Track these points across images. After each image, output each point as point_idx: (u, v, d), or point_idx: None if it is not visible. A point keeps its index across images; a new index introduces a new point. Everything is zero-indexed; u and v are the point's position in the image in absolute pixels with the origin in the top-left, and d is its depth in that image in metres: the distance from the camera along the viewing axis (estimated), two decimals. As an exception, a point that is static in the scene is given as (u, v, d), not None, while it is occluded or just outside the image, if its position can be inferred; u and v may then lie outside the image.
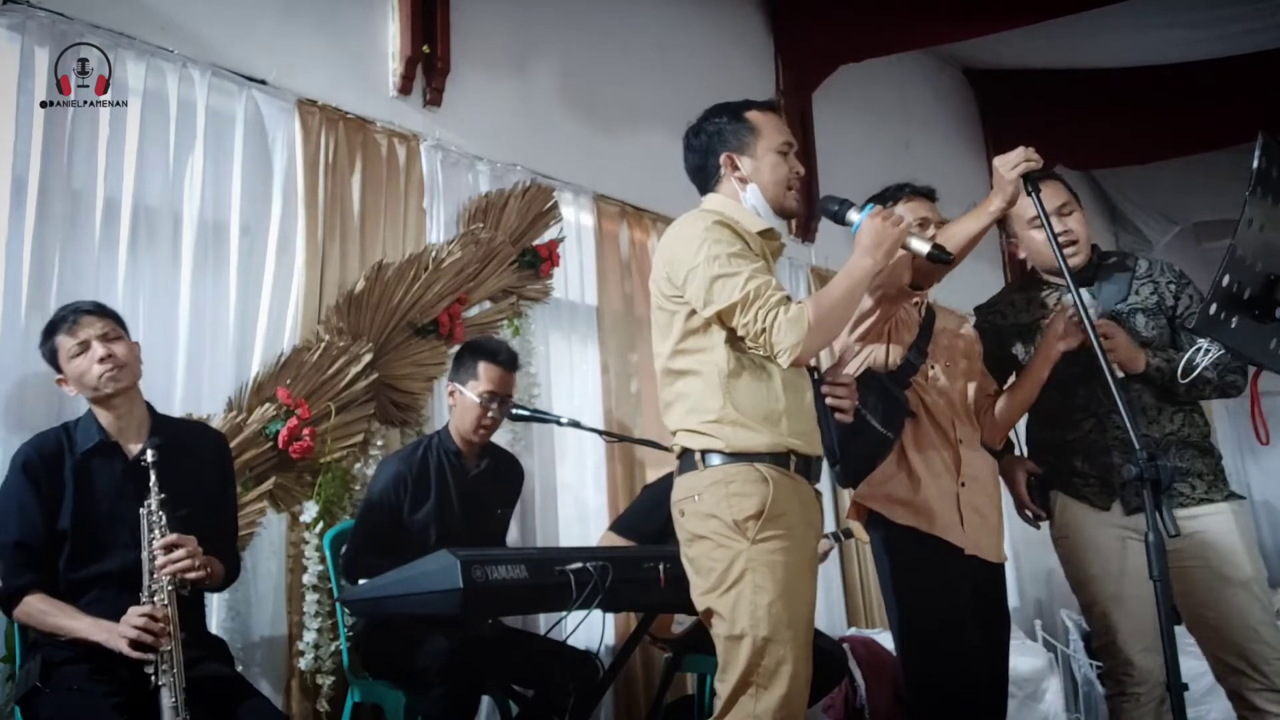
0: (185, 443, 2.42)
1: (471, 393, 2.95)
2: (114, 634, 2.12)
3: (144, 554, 2.21)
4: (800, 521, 2.00)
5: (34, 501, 2.25)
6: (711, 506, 1.96)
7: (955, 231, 2.31)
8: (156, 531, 2.21)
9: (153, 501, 2.23)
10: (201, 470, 2.43)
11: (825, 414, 2.16)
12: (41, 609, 2.20)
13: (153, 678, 2.09)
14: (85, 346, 2.34)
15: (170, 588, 2.17)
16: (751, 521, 1.93)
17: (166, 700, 2.07)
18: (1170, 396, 2.48)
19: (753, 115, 2.18)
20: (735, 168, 2.16)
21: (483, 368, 2.97)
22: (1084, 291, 2.41)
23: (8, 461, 2.60)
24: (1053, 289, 2.63)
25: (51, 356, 2.39)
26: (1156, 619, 2.34)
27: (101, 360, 2.31)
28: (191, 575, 2.20)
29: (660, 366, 2.12)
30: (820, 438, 2.14)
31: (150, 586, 2.18)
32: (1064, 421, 2.57)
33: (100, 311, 2.41)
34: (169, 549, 2.19)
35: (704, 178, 2.22)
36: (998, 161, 2.25)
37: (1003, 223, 2.69)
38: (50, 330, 2.40)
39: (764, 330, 1.93)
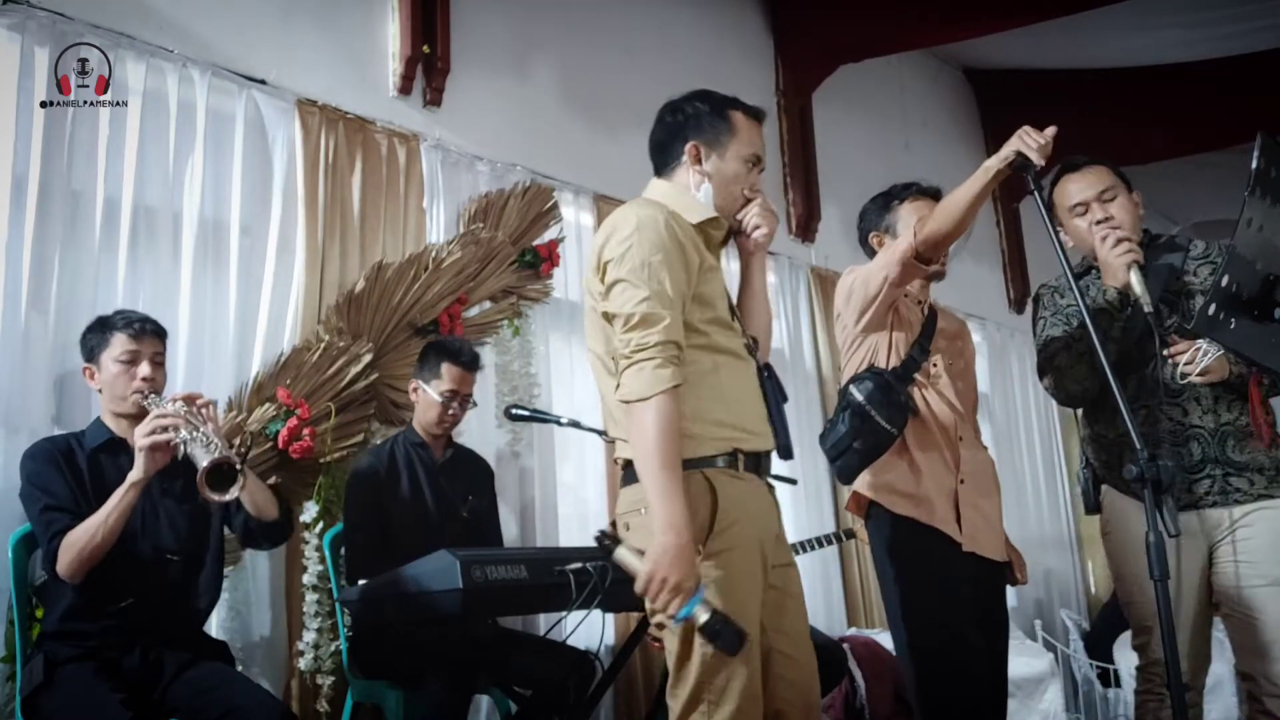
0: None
1: (434, 391, 3.04)
2: (137, 458, 2.17)
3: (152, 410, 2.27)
4: (751, 522, 1.90)
5: (57, 477, 2.27)
6: None
7: (952, 199, 2.26)
8: (163, 401, 2.30)
9: (150, 397, 2.32)
10: None
11: (779, 410, 2.05)
12: (73, 535, 2.18)
13: (181, 447, 2.14)
14: (135, 360, 2.38)
15: (181, 407, 2.24)
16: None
17: (199, 447, 2.11)
18: (1230, 386, 2.40)
19: (735, 116, 2.08)
20: (699, 160, 2.04)
21: (445, 368, 3.04)
22: (1134, 274, 2.34)
23: (5, 463, 2.62)
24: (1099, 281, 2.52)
25: (93, 348, 2.41)
26: (1199, 620, 2.34)
27: (143, 379, 2.36)
28: (203, 400, 2.28)
29: (599, 368, 2.02)
30: (769, 433, 2.02)
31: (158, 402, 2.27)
32: (1117, 415, 2.46)
33: (161, 334, 2.46)
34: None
35: (663, 157, 2.10)
36: (1025, 129, 2.17)
37: (1051, 214, 2.58)
38: (106, 325, 2.42)
39: (627, 358, 1.84)
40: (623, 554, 1.81)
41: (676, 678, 1.84)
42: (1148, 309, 2.25)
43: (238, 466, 2.10)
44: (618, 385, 1.87)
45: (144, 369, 2.36)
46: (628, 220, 1.93)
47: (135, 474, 2.16)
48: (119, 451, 2.35)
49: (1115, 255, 2.34)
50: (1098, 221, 2.44)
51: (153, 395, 2.34)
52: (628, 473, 1.94)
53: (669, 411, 1.80)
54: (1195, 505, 2.34)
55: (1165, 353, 2.35)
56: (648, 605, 1.86)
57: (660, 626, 1.87)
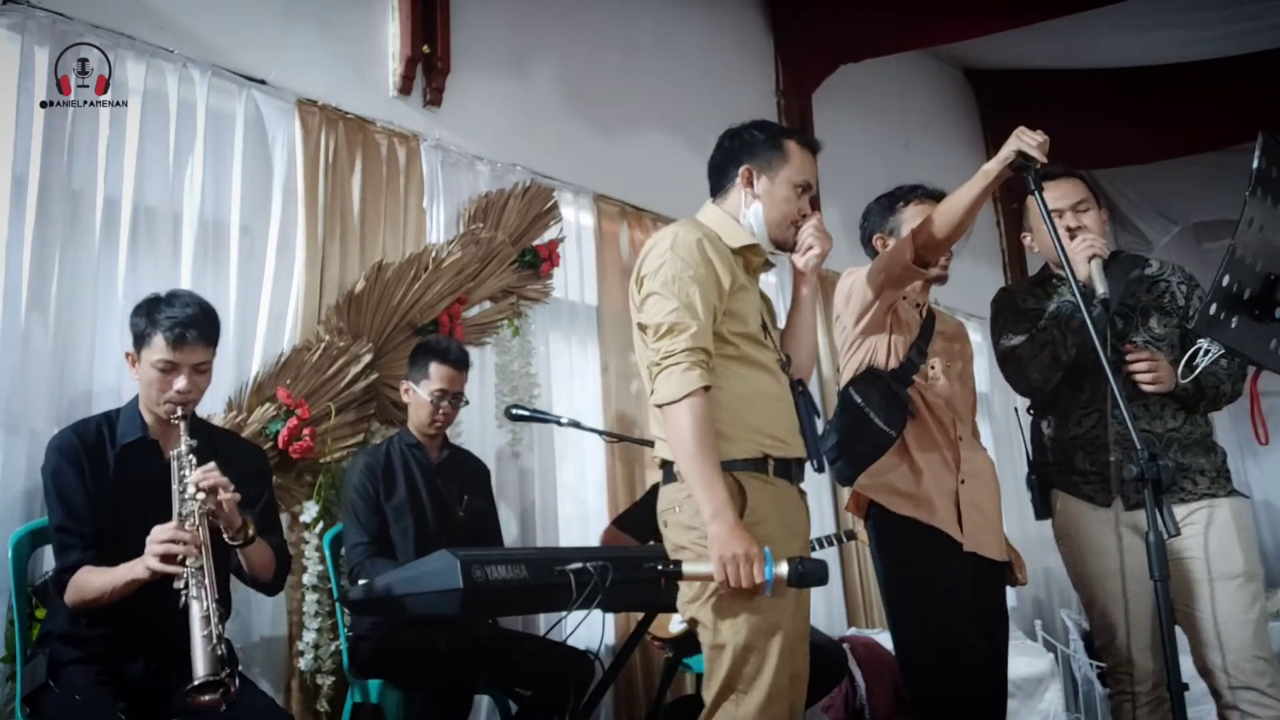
0: (221, 450, 2.32)
1: (424, 391, 3.05)
2: (141, 561, 2.05)
3: (174, 486, 2.15)
4: (778, 526, 1.99)
5: (76, 483, 2.20)
6: (691, 518, 1.95)
7: (951, 202, 2.29)
8: (187, 469, 2.15)
9: (183, 447, 2.18)
10: (236, 478, 2.28)
11: (810, 424, 2.13)
12: (82, 579, 2.14)
13: (182, 593, 2.00)
14: (174, 370, 2.24)
15: (200, 510, 2.09)
16: None
17: (196, 613, 1.98)
18: (1174, 396, 2.48)
19: (789, 144, 2.18)
20: (750, 183, 2.16)
21: (434, 367, 3.06)
22: (1094, 265, 2.37)
23: (5, 463, 2.62)
24: (1063, 282, 2.61)
25: (138, 338, 2.27)
26: (1157, 618, 2.36)
27: (179, 392, 2.24)
28: (224, 496, 2.11)
29: (644, 373, 2.12)
30: (800, 444, 2.11)
31: (179, 511, 2.10)
32: (1068, 418, 2.57)
33: (210, 337, 2.30)
34: (201, 482, 2.12)
35: (719, 180, 2.23)
36: (1021, 129, 2.20)
37: (1021, 217, 2.72)
38: (153, 319, 2.25)
39: (658, 364, 1.96)
40: (689, 567, 1.91)
41: (710, 669, 1.93)
42: (1101, 292, 2.28)
43: (227, 684, 1.96)
44: (651, 391, 1.99)
45: (180, 382, 2.24)
46: (665, 238, 2.07)
47: (140, 574, 2.07)
48: (149, 453, 2.29)
49: (1076, 250, 2.38)
50: (1069, 229, 2.49)
51: (182, 419, 2.22)
52: (666, 472, 2.07)
53: (701, 410, 1.92)
54: (1142, 505, 2.35)
55: (1128, 357, 2.44)
56: (681, 604, 1.98)
57: (694, 622, 1.97)
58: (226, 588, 2.39)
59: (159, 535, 2.05)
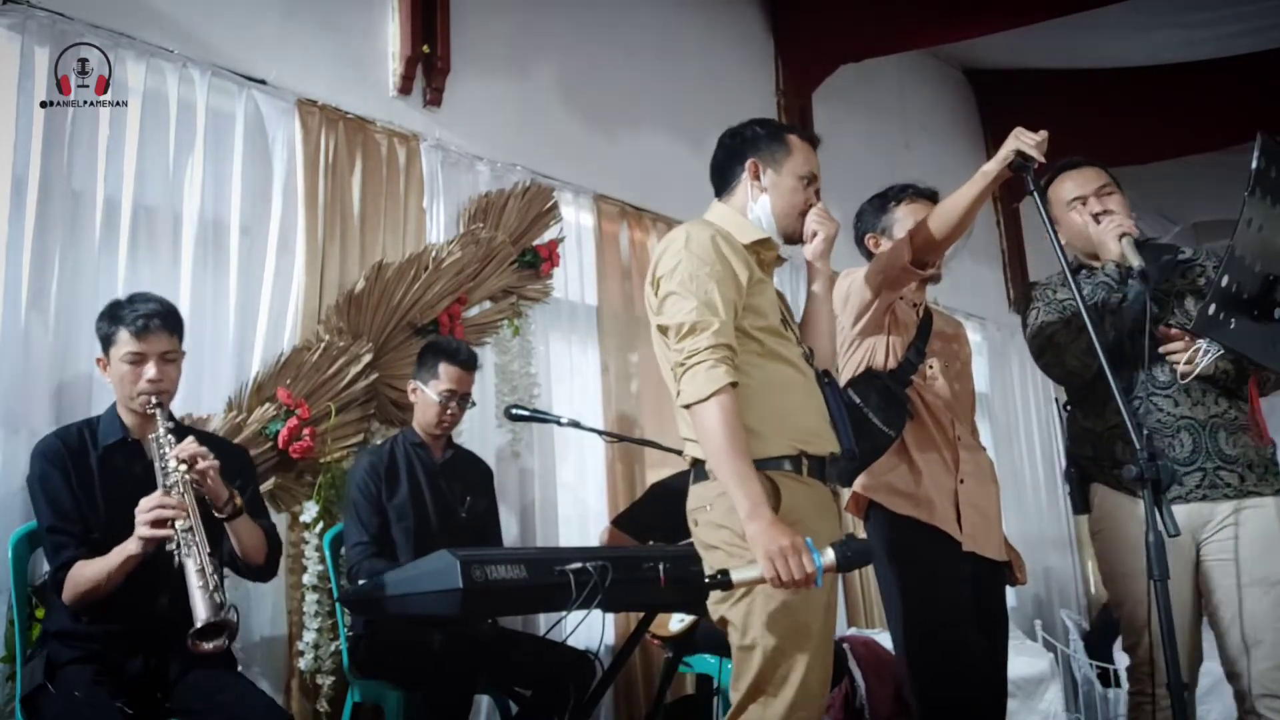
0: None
1: (432, 391, 3.05)
2: (133, 537, 2.09)
3: (156, 465, 2.19)
4: (812, 527, 1.95)
5: (62, 485, 2.23)
6: (722, 517, 1.94)
7: (950, 203, 2.28)
8: (167, 449, 2.19)
9: (160, 430, 2.22)
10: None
11: (840, 414, 2.13)
12: (78, 572, 2.16)
13: (175, 554, 2.04)
14: (142, 360, 2.28)
15: (185, 477, 2.14)
16: None
17: (191, 567, 2.02)
18: (1213, 380, 2.40)
19: (791, 138, 2.20)
20: (757, 176, 2.17)
21: (443, 368, 3.06)
22: (1125, 243, 2.34)
23: (5, 463, 2.62)
24: (1096, 271, 2.51)
25: (105, 339, 2.32)
26: (1187, 621, 2.31)
27: (150, 381, 2.27)
28: (204, 464, 2.16)
29: (668, 378, 2.11)
30: (833, 435, 2.10)
31: (164, 484, 2.14)
32: (1106, 407, 2.46)
33: (172, 327, 2.34)
34: (183, 455, 2.17)
35: (723, 178, 2.23)
36: (1019, 130, 2.19)
37: (1048, 211, 2.65)
38: (116, 317, 2.31)
39: (682, 365, 1.95)
40: (737, 573, 1.86)
41: (739, 669, 1.92)
42: (1138, 265, 2.25)
43: (229, 623, 2.02)
44: (678, 392, 1.97)
45: (150, 371, 2.27)
46: (678, 238, 2.06)
47: (133, 549, 2.10)
48: (131, 453, 2.31)
49: (1106, 230, 2.36)
50: (1095, 214, 2.45)
51: (157, 407, 2.26)
52: (697, 471, 2.05)
53: (730, 406, 1.90)
54: (1184, 499, 2.32)
55: (1161, 349, 2.38)
56: (711, 603, 1.96)
57: (723, 622, 1.96)
58: (221, 568, 2.40)
59: (145, 505, 2.10)
